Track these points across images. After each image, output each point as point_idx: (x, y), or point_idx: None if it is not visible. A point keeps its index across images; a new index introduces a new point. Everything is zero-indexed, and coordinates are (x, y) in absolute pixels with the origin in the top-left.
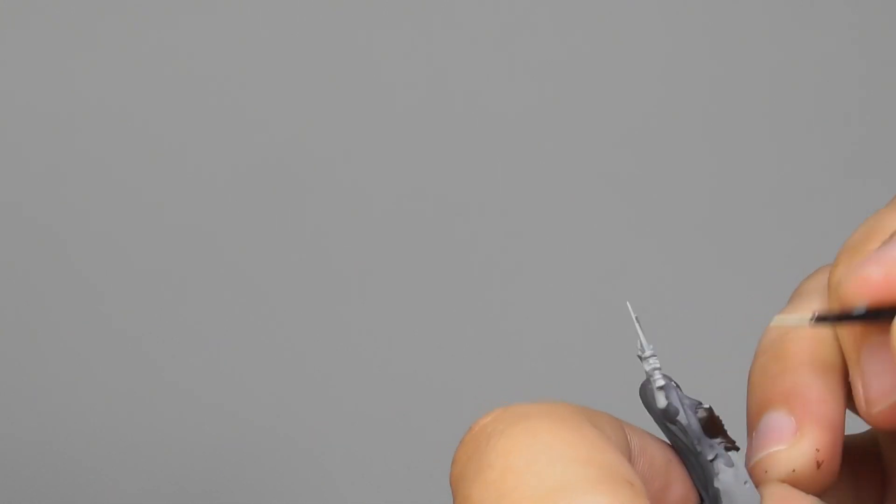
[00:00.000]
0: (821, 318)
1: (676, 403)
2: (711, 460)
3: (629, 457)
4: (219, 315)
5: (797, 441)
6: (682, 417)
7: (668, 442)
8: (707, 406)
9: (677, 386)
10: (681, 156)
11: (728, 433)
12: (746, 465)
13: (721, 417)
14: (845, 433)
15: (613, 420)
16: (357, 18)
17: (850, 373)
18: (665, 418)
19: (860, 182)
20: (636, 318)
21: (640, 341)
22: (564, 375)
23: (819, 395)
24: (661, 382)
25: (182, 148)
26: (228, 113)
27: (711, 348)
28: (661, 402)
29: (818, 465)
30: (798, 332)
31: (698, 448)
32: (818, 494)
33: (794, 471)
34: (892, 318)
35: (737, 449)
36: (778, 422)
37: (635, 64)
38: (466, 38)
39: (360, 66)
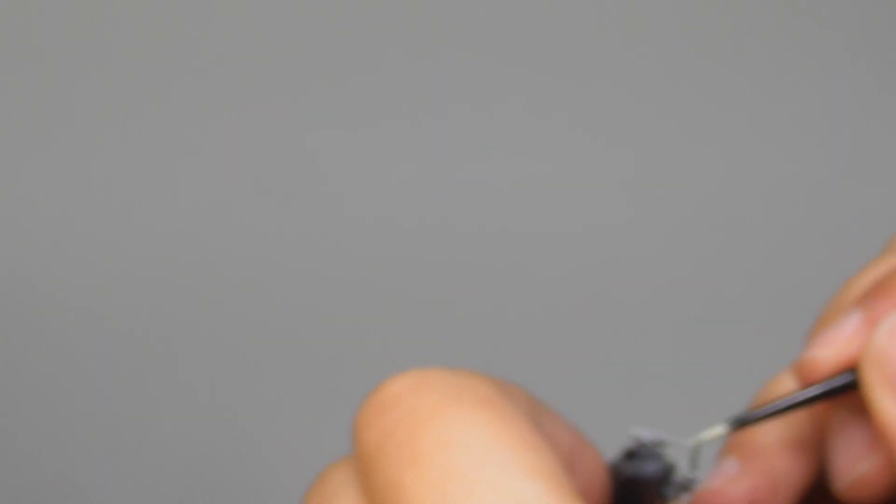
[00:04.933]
0: (740, 422)
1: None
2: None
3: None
4: (218, 317)
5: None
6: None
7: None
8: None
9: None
10: (683, 157)
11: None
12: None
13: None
14: None
15: (527, 396)
16: (357, 21)
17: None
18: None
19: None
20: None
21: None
22: (561, 373)
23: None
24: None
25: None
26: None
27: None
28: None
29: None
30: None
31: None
32: None
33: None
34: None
35: None
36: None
37: (636, 65)
38: (467, 37)
39: (362, 68)
